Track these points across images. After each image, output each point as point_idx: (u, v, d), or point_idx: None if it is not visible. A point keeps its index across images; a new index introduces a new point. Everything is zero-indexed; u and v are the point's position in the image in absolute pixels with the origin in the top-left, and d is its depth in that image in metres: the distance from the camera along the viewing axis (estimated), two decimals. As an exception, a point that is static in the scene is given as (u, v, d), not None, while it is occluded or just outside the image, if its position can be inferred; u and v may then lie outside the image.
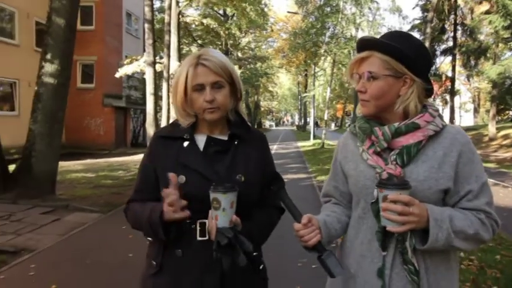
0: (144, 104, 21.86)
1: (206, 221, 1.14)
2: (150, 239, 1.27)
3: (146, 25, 12.53)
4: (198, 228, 1.19)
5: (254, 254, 1.22)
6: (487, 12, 17.60)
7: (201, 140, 1.27)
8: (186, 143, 1.24)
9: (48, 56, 6.88)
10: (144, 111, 25.45)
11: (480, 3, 21.65)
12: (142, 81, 21.50)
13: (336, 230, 1.24)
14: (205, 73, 1.20)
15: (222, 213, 1.07)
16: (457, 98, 53.20)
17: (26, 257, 4.07)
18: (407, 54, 1.10)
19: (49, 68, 6.88)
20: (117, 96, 19.66)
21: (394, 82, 1.12)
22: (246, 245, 1.10)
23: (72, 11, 7.10)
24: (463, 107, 48.71)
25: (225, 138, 1.29)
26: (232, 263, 1.10)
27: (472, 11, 22.43)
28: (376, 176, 1.12)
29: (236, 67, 21.28)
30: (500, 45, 17.68)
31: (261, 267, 1.32)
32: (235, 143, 1.28)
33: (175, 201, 1.10)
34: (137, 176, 1.32)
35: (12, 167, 7.20)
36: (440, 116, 1.15)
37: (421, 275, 1.09)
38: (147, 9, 12.58)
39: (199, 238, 1.18)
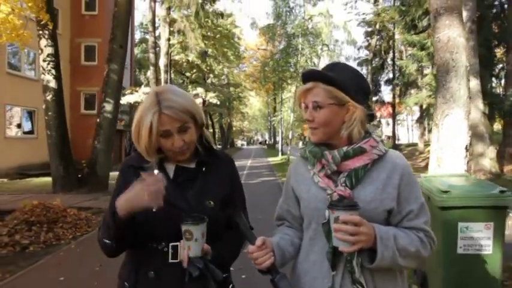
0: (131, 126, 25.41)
1: (178, 243, 1.20)
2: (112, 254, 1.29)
3: (151, 68, 16.48)
4: (170, 251, 1.24)
5: (224, 275, 1.24)
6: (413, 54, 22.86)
7: (170, 169, 1.33)
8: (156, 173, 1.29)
9: (107, 99, 10.69)
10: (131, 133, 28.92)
11: (409, 45, 27.08)
12: (129, 107, 25.19)
13: (289, 252, 1.27)
14: (170, 121, 1.23)
15: (194, 244, 1.15)
16: (409, 118, 60.09)
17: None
18: (347, 84, 1.17)
19: (107, 107, 10.68)
20: (114, 120, 23.13)
21: (338, 110, 1.18)
22: (216, 274, 1.17)
23: (121, 70, 10.97)
24: (416, 125, 55.29)
25: (193, 165, 1.35)
26: None
27: (406, 50, 27.94)
28: (327, 197, 1.16)
29: (211, 93, 24.89)
30: (423, 79, 22.91)
31: (230, 286, 1.36)
32: (203, 169, 1.34)
33: (159, 192, 1.14)
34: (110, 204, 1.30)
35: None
36: (383, 142, 1.23)
37: None
38: (151, 55, 16.58)
39: (171, 260, 1.22)
